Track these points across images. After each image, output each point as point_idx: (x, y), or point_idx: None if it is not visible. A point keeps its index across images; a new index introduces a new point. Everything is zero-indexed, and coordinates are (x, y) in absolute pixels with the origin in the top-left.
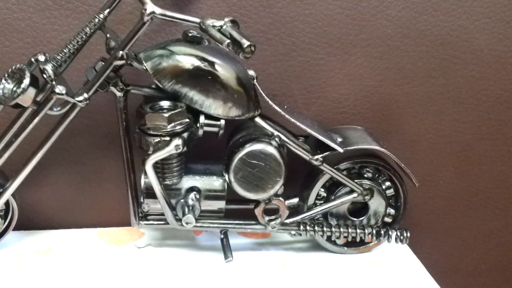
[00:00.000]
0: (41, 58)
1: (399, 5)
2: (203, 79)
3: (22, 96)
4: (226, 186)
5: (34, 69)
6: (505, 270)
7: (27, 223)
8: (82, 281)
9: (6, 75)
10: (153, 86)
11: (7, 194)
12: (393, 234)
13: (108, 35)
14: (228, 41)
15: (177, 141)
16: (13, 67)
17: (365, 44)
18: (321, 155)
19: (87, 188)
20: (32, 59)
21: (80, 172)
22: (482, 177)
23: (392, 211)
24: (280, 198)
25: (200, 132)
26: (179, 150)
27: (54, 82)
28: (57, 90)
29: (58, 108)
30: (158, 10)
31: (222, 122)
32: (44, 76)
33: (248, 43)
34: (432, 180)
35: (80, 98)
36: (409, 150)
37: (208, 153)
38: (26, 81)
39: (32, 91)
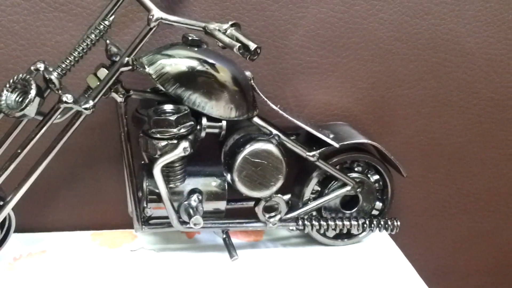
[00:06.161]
0: (41, 66)
1: (391, 9)
2: (205, 81)
3: (29, 107)
4: (226, 186)
5: (34, 77)
6: (496, 272)
7: (20, 226)
8: (76, 284)
9: (7, 85)
10: (149, 90)
11: (8, 208)
12: (384, 223)
13: (107, 41)
14: (239, 45)
15: (185, 144)
16: (15, 77)
17: (357, 47)
18: (317, 151)
19: (80, 190)
20: (32, 68)
21: (73, 174)
22: (473, 179)
23: (379, 204)
24: (280, 195)
25: (203, 134)
26: (187, 153)
27: (61, 92)
28: (64, 99)
29: (59, 116)
30: (164, 16)
31: (224, 123)
32: (51, 86)
33: (255, 45)
34: (423, 181)
35: (87, 105)
36: (400, 152)
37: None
38: (33, 91)
39: (37, 102)
